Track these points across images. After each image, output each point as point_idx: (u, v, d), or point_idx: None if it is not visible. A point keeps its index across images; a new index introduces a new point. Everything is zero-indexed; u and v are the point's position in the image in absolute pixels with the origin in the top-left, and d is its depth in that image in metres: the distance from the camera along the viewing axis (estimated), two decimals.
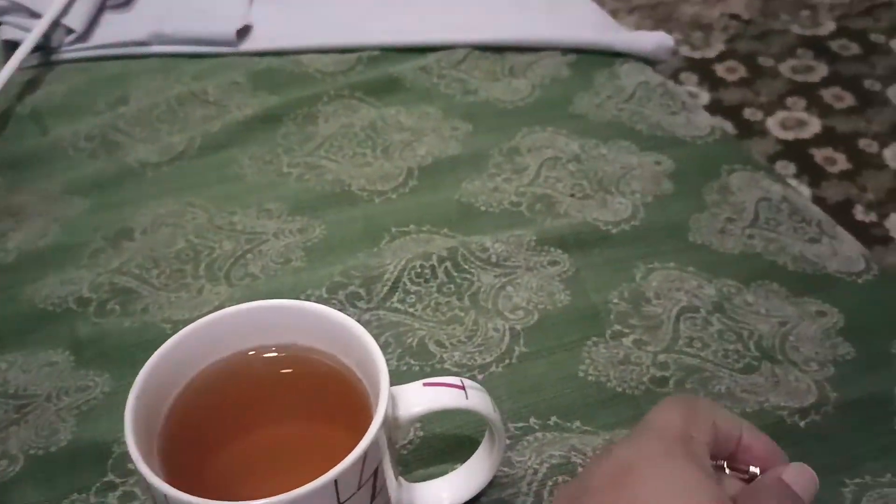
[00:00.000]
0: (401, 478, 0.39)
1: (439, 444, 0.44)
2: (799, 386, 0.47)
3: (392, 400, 0.34)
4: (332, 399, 0.35)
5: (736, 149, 0.67)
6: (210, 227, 0.57)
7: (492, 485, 0.41)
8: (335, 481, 0.29)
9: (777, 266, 0.55)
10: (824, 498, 0.41)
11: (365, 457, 0.30)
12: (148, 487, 0.30)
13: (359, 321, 0.50)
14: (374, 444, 0.31)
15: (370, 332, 0.49)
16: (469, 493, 0.39)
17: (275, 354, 0.36)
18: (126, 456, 0.43)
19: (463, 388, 0.35)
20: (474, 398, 0.35)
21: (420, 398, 0.35)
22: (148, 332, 0.49)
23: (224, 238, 0.56)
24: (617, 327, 0.50)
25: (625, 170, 0.63)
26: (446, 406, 0.35)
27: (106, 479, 0.42)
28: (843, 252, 0.57)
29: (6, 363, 0.49)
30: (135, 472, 0.42)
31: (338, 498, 0.30)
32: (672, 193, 0.61)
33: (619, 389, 0.46)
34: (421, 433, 0.44)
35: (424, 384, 0.35)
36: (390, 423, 0.33)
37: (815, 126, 1.52)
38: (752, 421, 0.44)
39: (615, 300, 0.52)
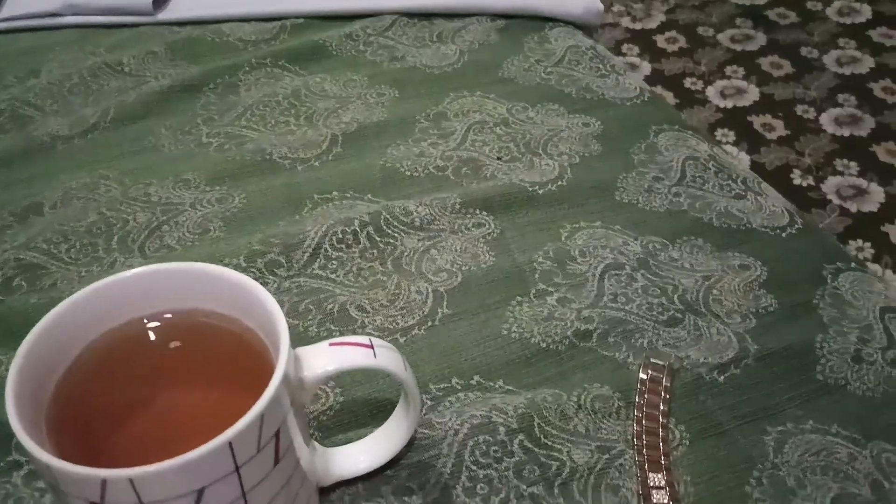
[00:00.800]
0: (315, 443, 0.38)
1: (360, 409, 0.43)
2: (720, 339, 0.47)
3: (297, 361, 0.33)
4: (235, 364, 0.34)
5: (664, 110, 0.67)
6: (124, 200, 0.55)
7: (412, 447, 0.41)
8: (230, 444, 0.28)
9: (702, 222, 0.55)
10: (745, 446, 0.42)
11: (262, 418, 0.29)
12: (33, 460, 0.28)
13: (278, 289, 0.49)
14: (273, 404, 0.29)
15: (290, 300, 0.48)
16: (387, 455, 0.38)
17: (172, 319, 0.35)
18: None
19: (371, 347, 0.34)
20: (383, 357, 0.34)
21: (326, 358, 0.33)
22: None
23: (138, 210, 0.54)
24: (541, 286, 0.49)
25: (552, 132, 0.62)
26: (353, 365, 0.34)
27: (10, 458, 0.41)
28: (768, 207, 0.57)
29: None
30: None
31: (235, 461, 0.29)
32: (600, 154, 0.60)
33: (543, 345, 0.46)
34: (341, 398, 0.43)
35: (331, 344, 0.34)
36: (294, 385, 0.32)
37: (753, 94, 1.54)
38: (671, 378, 0.44)
39: (540, 259, 0.51)
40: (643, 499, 0.39)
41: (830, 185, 1.36)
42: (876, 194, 1.34)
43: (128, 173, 0.57)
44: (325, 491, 0.39)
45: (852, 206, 1.31)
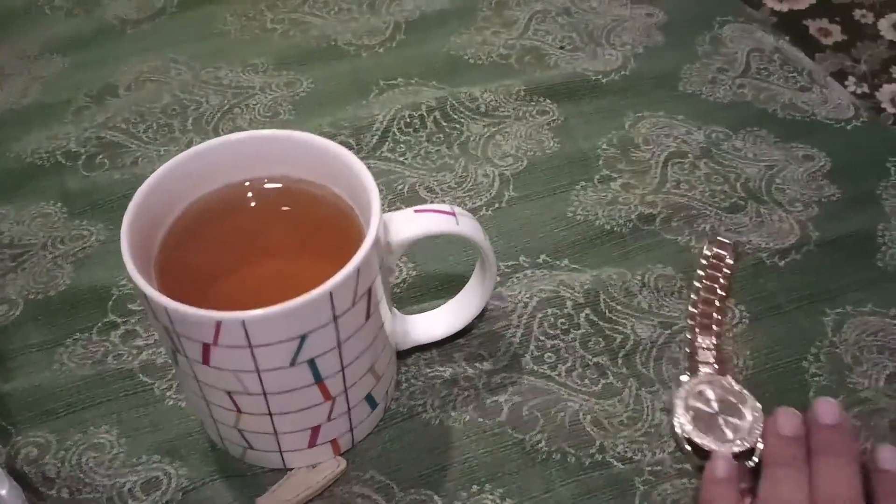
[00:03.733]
0: (395, 309, 0.40)
1: (431, 283, 0.45)
2: (782, 226, 0.48)
3: (384, 226, 0.35)
4: (327, 229, 0.36)
5: (728, 1, 0.66)
6: (195, 83, 0.56)
7: (483, 318, 0.43)
8: (330, 294, 0.30)
9: (767, 113, 0.55)
10: (803, 326, 0.43)
11: (358, 273, 0.31)
12: (149, 305, 0.31)
13: None
14: (367, 262, 0.31)
15: None
16: (461, 322, 0.40)
17: (268, 186, 0.36)
18: (126, 298, 0.44)
19: (453, 214, 0.36)
20: (465, 224, 0.36)
21: (411, 224, 0.35)
22: (138, 184, 0.48)
23: (210, 93, 0.55)
24: (605, 172, 0.50)
25: (616, 22, 0.61)
26: (436, 231, 0.35)
27: (107, 319, 0.43)
28: (833, 100, 0.57)
29: None
30: (136, 312, 0.43)
31: (333, 311, 0.31)
32: (663, 45, 0.60)
33: (607, 227, 0.47)
34: (414, 272, 0.45)
35: (415, 210, 0.36)
36: (383, 248, 0.34)
37: None
38: (734, 256, 0.45)
39: (604, 146, 0.52)
40: (689, 357, 0.41)
41: (885, 92, 1.32)
42: None
43: (196, 57, 0.58)
44: (402, 356, 0.41)
45: None
